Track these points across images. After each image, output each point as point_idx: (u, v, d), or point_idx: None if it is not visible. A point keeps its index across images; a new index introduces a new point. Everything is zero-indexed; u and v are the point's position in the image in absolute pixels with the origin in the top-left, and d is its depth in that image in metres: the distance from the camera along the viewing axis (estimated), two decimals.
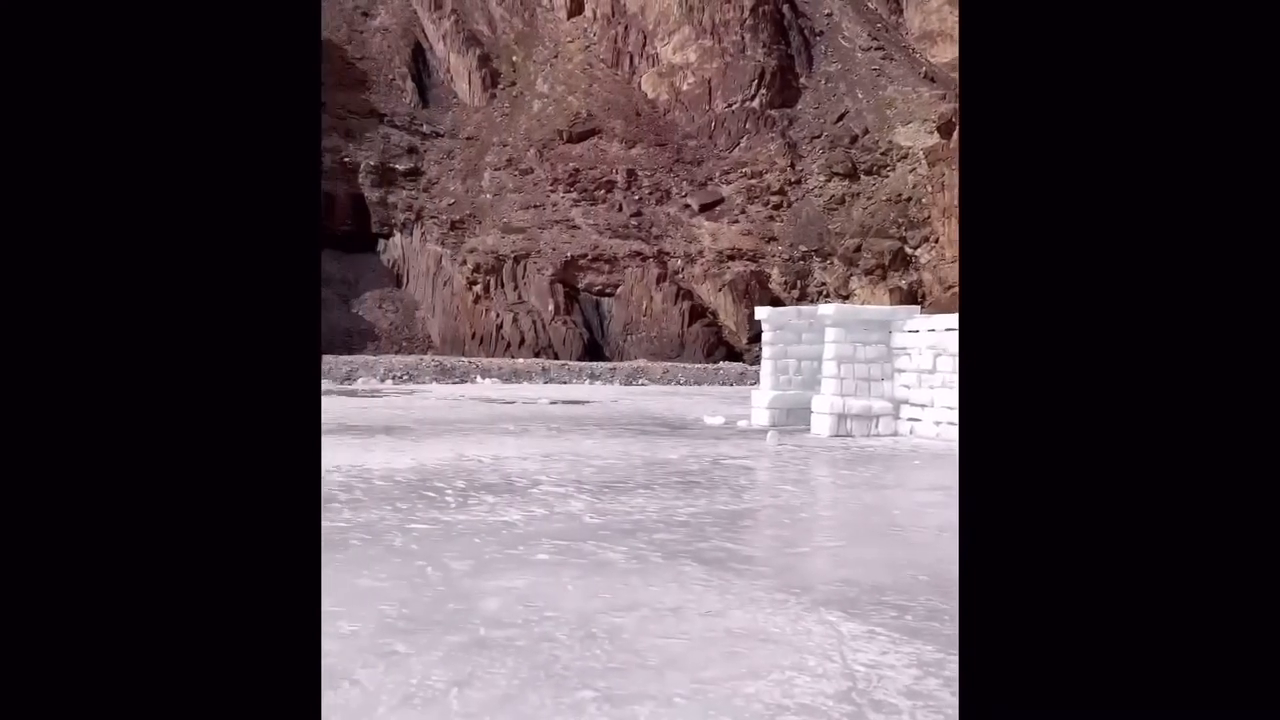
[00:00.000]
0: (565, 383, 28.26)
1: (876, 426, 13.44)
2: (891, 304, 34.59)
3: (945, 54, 56.98)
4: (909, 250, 43.73)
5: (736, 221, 44.39)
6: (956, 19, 57.83)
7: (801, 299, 39.95)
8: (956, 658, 3.70)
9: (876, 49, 53.51)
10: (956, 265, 40.59)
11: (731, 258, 42.41)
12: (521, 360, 32.11)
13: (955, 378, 12.64)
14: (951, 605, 4.48)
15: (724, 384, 29.51)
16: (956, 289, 39.59)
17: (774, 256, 43.33)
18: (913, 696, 3.25)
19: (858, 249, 43.47)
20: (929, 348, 13.04)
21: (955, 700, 3.25)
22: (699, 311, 38.93)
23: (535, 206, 42.76)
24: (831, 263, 43.59)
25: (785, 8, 52.77)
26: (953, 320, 13.17)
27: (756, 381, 15.29)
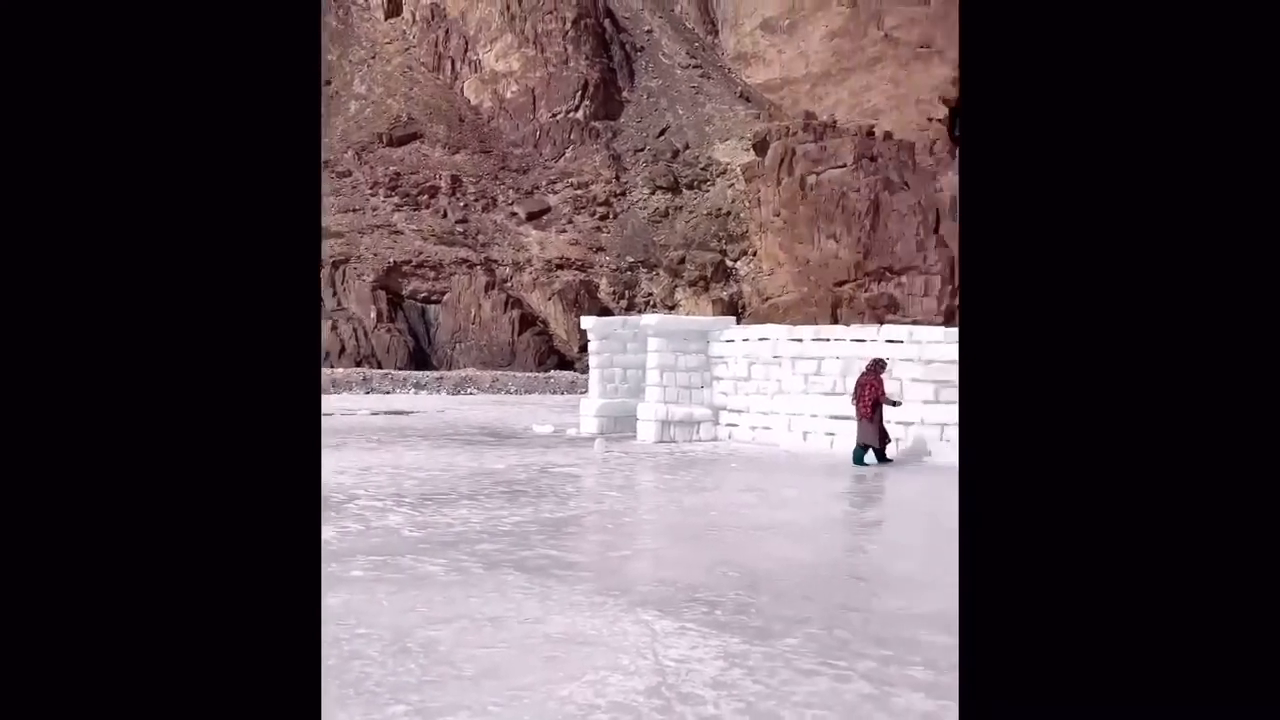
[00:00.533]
0: (388, 392, 27.30)
1: (698, 432, 13.92)
2: (714, 314, 35.86)
3: (759, 75, 59.94)
4: (729, 263, 45.52)
5: (564, 231, 44.62)
6: (769, 43, 61.01)
7: (630, 309, 40.66)
8: (760, 648, 3.94)
9: (695, 67, 55.50)
10: (773, 278, 42.68)
11: (560, 266, 42.56)
12: (341, 370, 30.73)
13: (768, 384, 13.32)
14: (760, 599, 4.75)
15: (555, 392, 29.55)
16: (774, 300, 41.64)
17: (602, 266, 43.86)
18: (718, 687, 3.43)
19: (682, 261, 44.78)
20: (744, 356, 13.67)
21: (756, 687, 3.47)
22: (529, 320, 38.77)
23: (354, 210, 41.08)
24: (658, 273, 44.66)
25: (606, 22, 53.71)
26: (765, 330, 13.88)
27: (587, 390, 15.47)
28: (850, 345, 12.49)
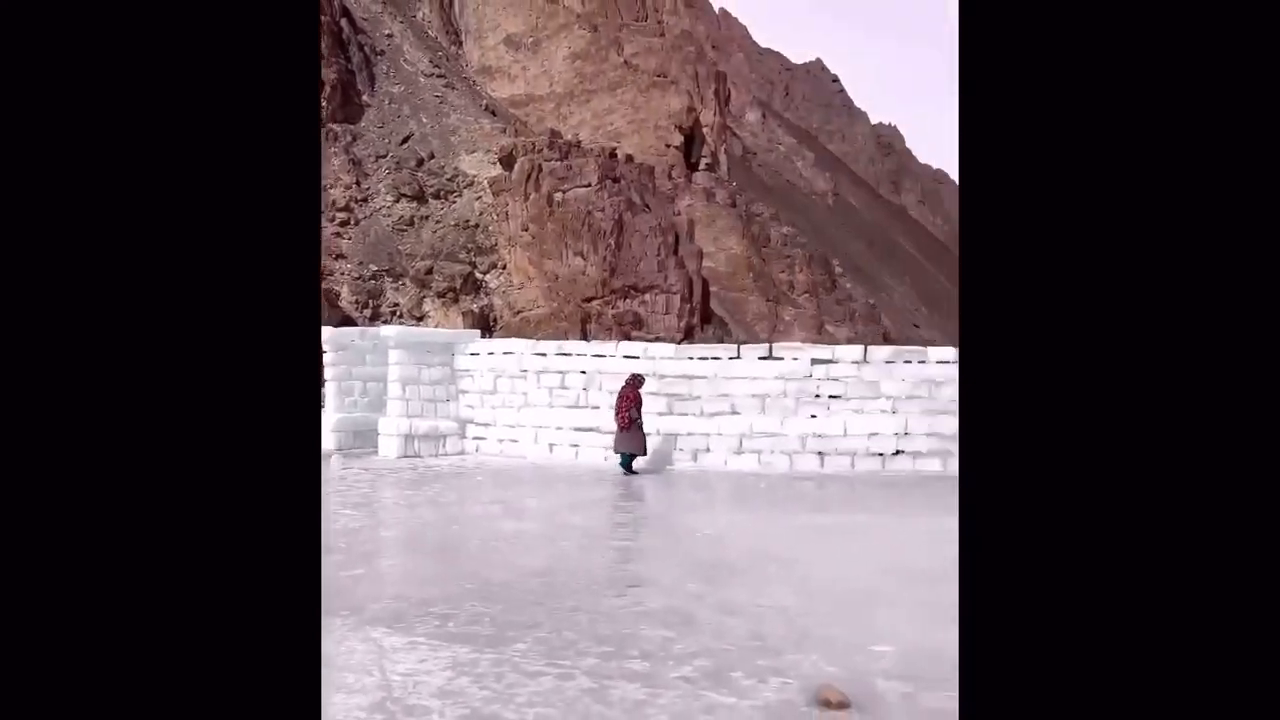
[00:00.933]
0: None
1: (444, 446, 13.74)
2: (465, 326, 35.45)
3: (503, 90, 60.18)
4: (479, 275, 45.20)
5: None
6: (513, 59, 61.50)
7: (375, 319, 39.07)
8: (489, 655, 4.06)
9: (439, 76, 54.65)
10: (523, 292, 42.99)
11: None
12: None
13: (514, 397, 13.48)
14: (494, 608, 4.86)
15: None
16: (525, 314, 41.93)
17: (343, 274, 41.78)
18: (444, 696, 3.51)
19: (429, 271, 43.81)
20: (489, 370, 13.72)
21: (482, 692, 3.58)
22: None
23: None
24: (404, 283, 43.33)
25: (344, 21, 51.44)
26: (510, 344, 14.03)
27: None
28: (592, 360, 12.97)
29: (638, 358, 12.65)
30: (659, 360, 12.54)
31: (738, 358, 12.53)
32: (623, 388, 11.55)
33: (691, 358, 12.66)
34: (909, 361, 12.35)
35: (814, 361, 12.23)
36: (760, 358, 12.48)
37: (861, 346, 12.83)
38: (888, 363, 12.30)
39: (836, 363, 12.22)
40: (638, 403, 11.30)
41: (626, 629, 4.52)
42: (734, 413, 12.22)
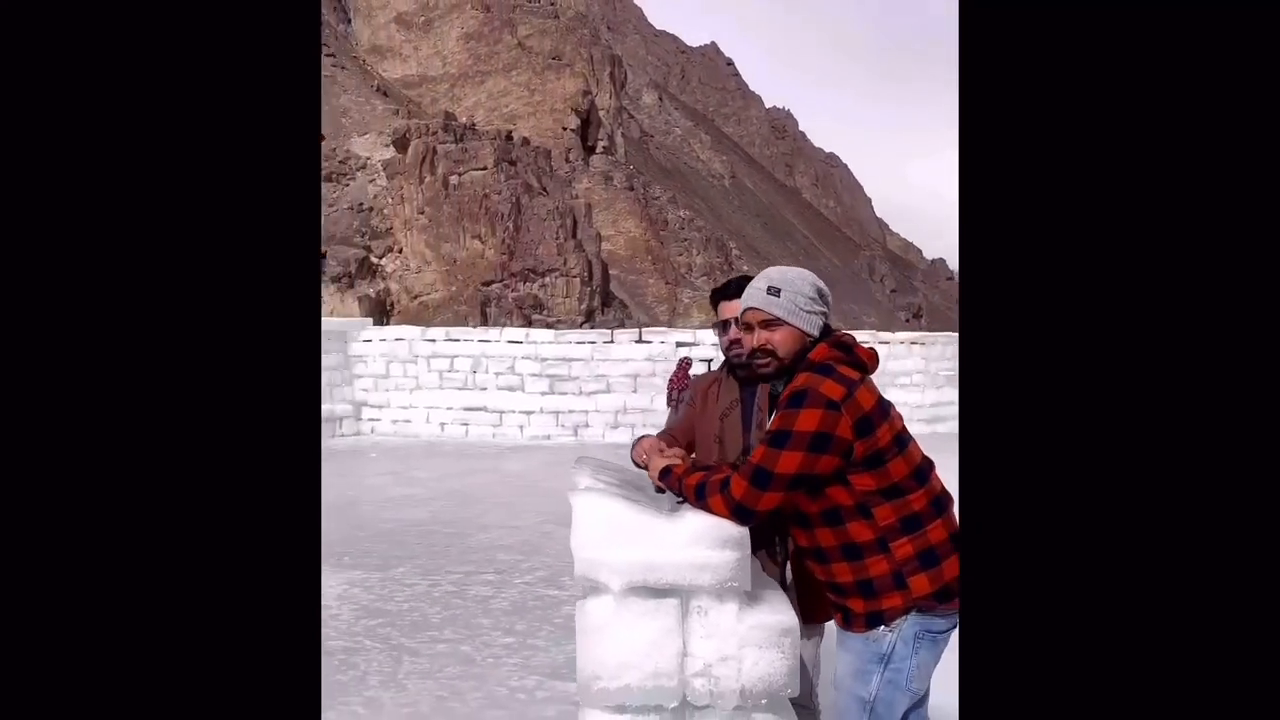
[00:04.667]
0: None
1: (340, 428, 14.66)
2: (361, 312, 35.44)
3: (395, 70, 59.52)
4: (375, 260, 45.03)
5: None
6: (404, 38, 60.88)
7: None
8: (376, 575, 5.30)
9: (328, 55, 53.70)
10: (420, 276, 43.17)
11: None
12: None
13: (406, 380, 14.52)
14: (381, 546, 6.09)
15: None
16: (423, 298, 42.12)
17: None
18: (340, 600, 4.77)
19: (323, 256, 43.50)
20: (382, 355, 14.71)
21: (369, 596, 4.85)
22: None
23: None
24: None
25: None
26: (401, 331, 15.04)
27: None
28: (479, 345, 14.14)
29: (520, 342, 13.91)
30: (540, 344, 13.82)
31: (611, 342, 13.92)
32: (674, 371, 12.00)
33: (569, 341, 14.00)
34: None
35: (679, 344, 13.73)
36: (633, 341, 13.92)
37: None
38: None
39: (699, 344, 13.75)
40: (684, 385, 11.70)
41: (485, 555, 5.86)
42: (609, 391, 13.63)
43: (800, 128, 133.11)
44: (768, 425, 1.99)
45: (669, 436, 2.45)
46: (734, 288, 2.41)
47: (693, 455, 2.43)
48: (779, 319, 2.01)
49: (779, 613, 1.94)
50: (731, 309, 2.37)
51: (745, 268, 68.65)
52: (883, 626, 1.95)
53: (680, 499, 2.04)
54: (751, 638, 1.90)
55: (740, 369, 2.38)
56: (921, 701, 2.03)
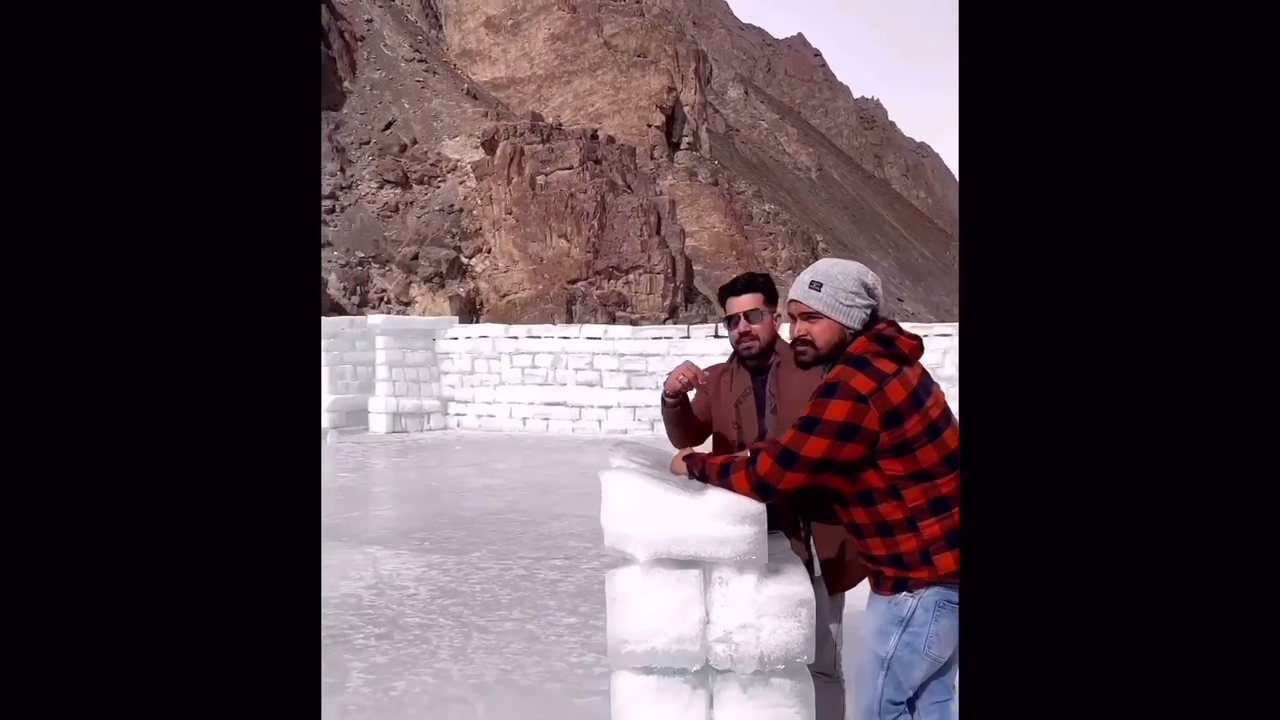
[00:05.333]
0: None
1: (428, 422, 15.25)
2: (451, 311, 36.39)
3: (484, 73, 60.82)
4: (465, 259, 46.21)
5: None
6: (493, 41, 62.23)
7: (362, 305, 40.20)
8: (453, 559, 5.60)
9: (419, 61, 55.33)
10: (509, 275, 44.15)
11: None
12: None
13: (490, 377, 14.99)
14: (460, 533, 6.39)
15: None
16: (511, 297, 43.07)
17: (330, 262, 42.91)
18: (419, 581, 5.07)
19: (415, 257, 44.87)
20: (467, 352, 15.23)
21: (445, 578, 5.13)
22: None
23: None
24: (390, 269, 44.40)
25: (323, 8, 52.06)
26: (485, 329, 15.53)
27: None
28: (559, 341, 14.49)
29: (599, 338, 14.18)
30: (618, 340, 14.07)
31: (688, 337, 14.06)
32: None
33: (646, 337, 14.20)
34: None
35: (715, 332, 13.78)
36: (708, 335, 14.02)
37: None
38: None
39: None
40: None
41: (556, 542, 6.09)
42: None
43: (890, 118, 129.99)
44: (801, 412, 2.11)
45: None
46: (741, 285, 2.58)
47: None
48: (818, 312, 2.14)
49: (795, 584, 2.05)
50: (739, 304, 2.54)
51: None
52: (905, 592, 2.06)
53: (694, 477, 2.17)
54: (769, 607, 2.03)
55: (749, 359, 2.52)
56: (944, 670, 2.11)
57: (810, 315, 2.14)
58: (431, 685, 3.62)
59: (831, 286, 2.14)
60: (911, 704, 2.11)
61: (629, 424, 13.78)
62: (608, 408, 13.92)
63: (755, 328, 2.52)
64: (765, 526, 2.04)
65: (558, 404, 14.21)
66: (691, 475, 2.18)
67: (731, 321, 2.57)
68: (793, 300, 2.18)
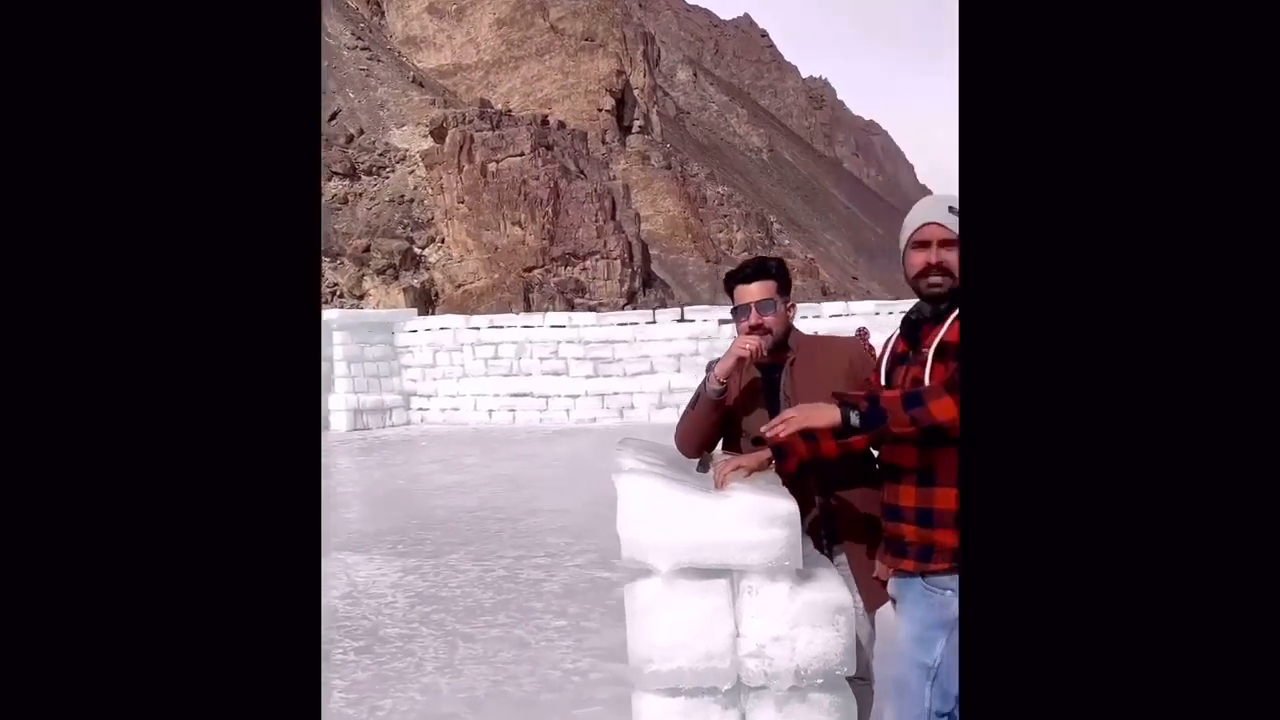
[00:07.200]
0: None
1: (390, 418, 14.88)
2: (406, 303, 35.85)
3: (430, 60, 59.81)
4: (418, 250, 45.51)
5: None
6: (438, 28, 61.15)
7: None
8: (430, 562, 5.36)
9: (363, 49, 54.17)
10: (463, 265, 43.54)
11: None
12: None
13: (453, 369, 14.66)
14: (434, 534, 6.15)
15: None
16: (467, 287, 42.52)
17: None
18: (396, 588, 4.83)
19: (367, 249, 44.07)
20: (428, 345, 14.86)
21: (423, 583, 4.90)
22: None
23: None
24: (342, 263, 43.58)
25: None
26: (445, 320, 15.18)
27: None
28: (522, 331, 14.21)
29: (563, 326, 13.93)
30: (583, 328, 13.84)
31: (653, 322, 13.88)
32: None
33: (611, 324, 13.98)
34: (817, 316, 13.75)
35: (721, 321, 13.63)
36: (674, 320, 13.85)
37: None
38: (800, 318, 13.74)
39: None
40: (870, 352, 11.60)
41: (536, 539, 5.88)
42: (653, 372, 13.60)
43: (838, 96, 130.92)
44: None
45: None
46: (751, 271, 2.31)
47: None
48: (957, 239, 1.90)
49: (832, 590, 1.89)
50: (749, 293, 2.29)
51: (787, 242, 67.92)
52: (949, 591, 1.86)
53: (858, 420, 1.83)
54: (804, 616, 1.86)
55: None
56: None
57: (948, 242, 1.91)
58: (420, 702, 3.41)
59: None
60: (951, 712, 1.96)
61: (597, 412, 13.57)
62: (575, 397, 13.69)
63: (768, 319, 2.26)
64: (799, 528, 1.87)
65: (523, 395, 13.93)
66: (844, 423, 1.84)
67: (740, 312, 2.31)
68: (929, 223, 1.95)
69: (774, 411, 2.30)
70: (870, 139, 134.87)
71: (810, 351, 2.33)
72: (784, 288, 2.32)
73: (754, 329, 2.27)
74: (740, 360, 2.22)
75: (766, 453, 2.01)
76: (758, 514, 1.85)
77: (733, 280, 2.35)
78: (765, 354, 2.24)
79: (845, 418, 1.84)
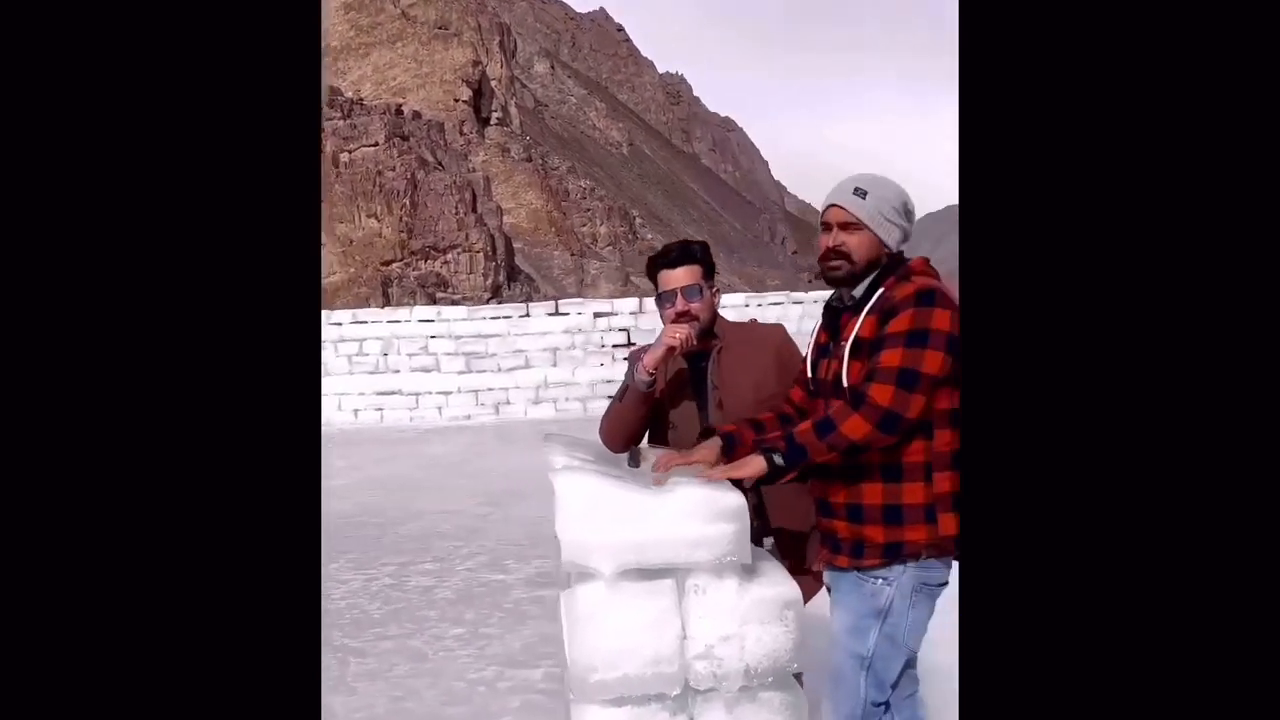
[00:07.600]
0: None
1: None
2: None
3: None
4: None
5: None
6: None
7: None
8: None
9: None
10: None
11: None
12: None
13: None
14: None
15: None
16: (322, 281, 40.47)
17: None
18: None
19: None
20: None
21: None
22: None
23: None
24: None
25: None
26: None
27: None
28: (388, 326, 13.63)
29: (433, 320, 13.47)
30: (454, 322, 13.42)
31: (527, 315, 13.64)
32: None
33: (484, 317, 13.64)
34: None
35: (596, 315, 13.56)
36: (548, 314, 13.67)
37: (638, 299, 14.26)
38: None
39: (616, 314, 13.61)
40: None
41: (420, 543, 5.61)
42: (529, 366, 13.37)
43: (694, 92, 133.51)
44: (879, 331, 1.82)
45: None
46: (675, 256, 2.23)
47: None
48: (859, 222, 1.88)
49: (780, 585, 1.83)
50: (674, 279, 2.20)
51: (650, 236, 68.67)
52: (898, 563, 1.85)
53: (783, 460, 1.80)
54: (753, 614, 1.80)
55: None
56: (912, 662, 1.97)
57: (849, 225, 1.89)
58: None
59: (876, 196, 1.89)
60: (886, 702, 1.94)
61: (471, 409, 13.20)
62: (447, 394, 13.26)
63: (694, 305, 2.18)
64: (747, 523, 1.80)
65: (392, 393, 13.36)
66: (770, 467, 1.80)
67: (664, 299, 2.22)
68: (831, 205, 1.91)
69: (702, 403, 2.23)
70: (726, 135, 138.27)
71: (736, 340, 2.26)
72: (709, 273, 2.25)
73: (681, 316, 2.19)
74: (670, 350, 2.13)
75: (716, 445, 1.93)
76: (704, 509, 1.77)
77: (656, 265, 2.26)
78: (695, 342, 2.16)
79: (770, 461, 1.81)
